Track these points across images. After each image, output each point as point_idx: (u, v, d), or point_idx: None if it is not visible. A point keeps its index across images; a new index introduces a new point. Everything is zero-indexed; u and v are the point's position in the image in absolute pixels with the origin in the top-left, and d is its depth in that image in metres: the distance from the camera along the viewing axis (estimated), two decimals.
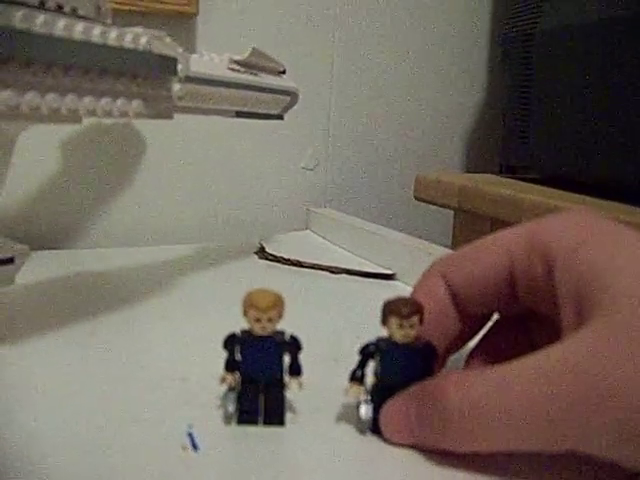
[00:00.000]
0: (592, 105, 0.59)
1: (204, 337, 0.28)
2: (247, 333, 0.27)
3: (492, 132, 0.85)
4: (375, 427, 0.27)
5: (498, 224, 0.59)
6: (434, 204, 0.68)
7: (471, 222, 0.67)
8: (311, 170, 0.75)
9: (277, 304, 0.26)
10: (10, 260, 0.40)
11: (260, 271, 0.56)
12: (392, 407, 0.27)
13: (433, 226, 0.80)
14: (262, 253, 0.60)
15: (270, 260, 0.59)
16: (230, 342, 0.28)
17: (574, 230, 0.26)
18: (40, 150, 0.61)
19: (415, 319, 0.26)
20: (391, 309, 0.26)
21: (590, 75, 0.58)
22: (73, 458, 0.25)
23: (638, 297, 0.22)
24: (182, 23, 0.65)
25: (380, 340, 0.27)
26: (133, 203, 0.67)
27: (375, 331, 0.28)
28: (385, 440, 0.27)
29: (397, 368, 0.27)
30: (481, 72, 0.85)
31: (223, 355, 0.28)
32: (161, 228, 0.68)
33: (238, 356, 0.28)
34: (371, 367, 0.28)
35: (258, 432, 0.27)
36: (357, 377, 0.27)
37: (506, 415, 0.23)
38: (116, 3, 0.59)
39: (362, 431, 0.27)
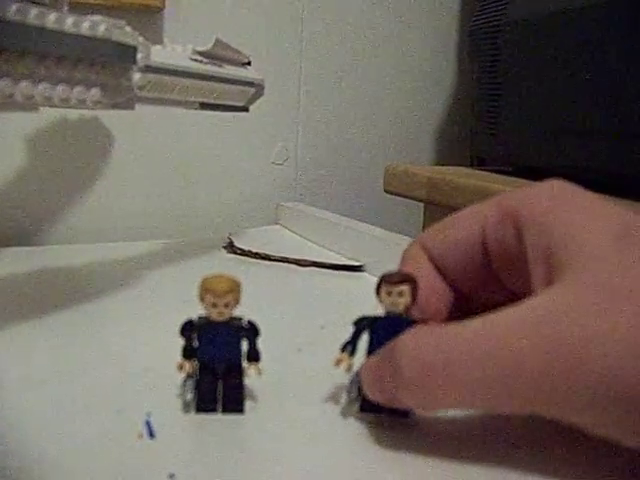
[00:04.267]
0: (560, 95, 0.59)
1: (168, 328, 0.28)
2: (204, 319, 0.27)
3: (463, 124, 0.86)
4: (364, 406, 0.27)
5: None
6: (403, 196, 0.68)
7: (441, 214, 0.66)
8: (281, 165, 0.75)
9: (233, 289, 0.26)
10: None
11: (228, 265, 0.55)
12: (367, 365, 0.26)
13: (404, 218, 0.80)
14: (231, 247, 0.60)
15: (238, 254, 0.58)
16: (187, 328, 0.27)
17: (545, 196, 0.26)
18: (5, 145, 0.60)
19: (404, 288, 0.26)
20: (382, 277, 0.26)
21: (558, 65, 0.59)
22: (33, 444, 0.25)
23: (608, 257, 0.22)
24: (148, 17, 0.65)
25: (375, 316, 0.27)
26: (100, 199, 0.66)
27: (341, 322, 0.28)
28: (343, 424, 0.27)
29: (385, 340, 0.26)
30: (451, 63, 0.85)
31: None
32: (130, 224, 0.67)
33: (196, 343, 0.27)
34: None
35: (216, 419, 0.27)
36: (348, 349, 0.27)
37: (462, 372, 0.22)
38: None
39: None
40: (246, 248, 0.59)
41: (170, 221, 0.69)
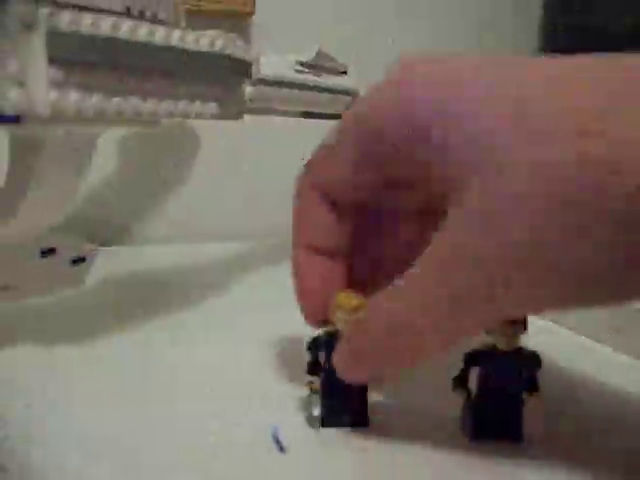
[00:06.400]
0: None
1: (272, 339, 0.28)
2: (330, 335, 0.27)
3: None
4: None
5: None
6: None
7: None
8: None
9: (361, 308, 0.27)
10: (82, 259, 0.40)
11: None
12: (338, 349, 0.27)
13: None
14: None
15: None
16: (314, 345, 0.28)
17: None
18: (101, 148, 0.62)
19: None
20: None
21: None
22: (154, 455, 0.26)
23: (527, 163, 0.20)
24: (238, 22, 0.66)
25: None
26: (186, 200, 0.67)
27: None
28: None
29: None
30: None
31: (292, 357, 0.28)
32: (221, 224, 0.68)
33: (321, 358, 0.28)
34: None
35: (343, 434, 0.28)
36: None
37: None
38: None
39: None
40: None
41: (259, 221, 0.70)
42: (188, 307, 0.44)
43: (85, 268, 0.41)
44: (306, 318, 0.29)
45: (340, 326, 0.27)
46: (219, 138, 0.67)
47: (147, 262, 0.56)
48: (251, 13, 0.64)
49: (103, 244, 0.61)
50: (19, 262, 0.37)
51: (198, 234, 0.67)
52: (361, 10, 0.73)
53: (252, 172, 0.70)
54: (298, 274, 0.29)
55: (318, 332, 0.28)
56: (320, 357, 0.28)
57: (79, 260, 0.40)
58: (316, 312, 0.28)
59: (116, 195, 0.64)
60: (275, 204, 0.71)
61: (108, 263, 0.54)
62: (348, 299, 0.27)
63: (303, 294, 0.29)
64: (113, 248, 0.61)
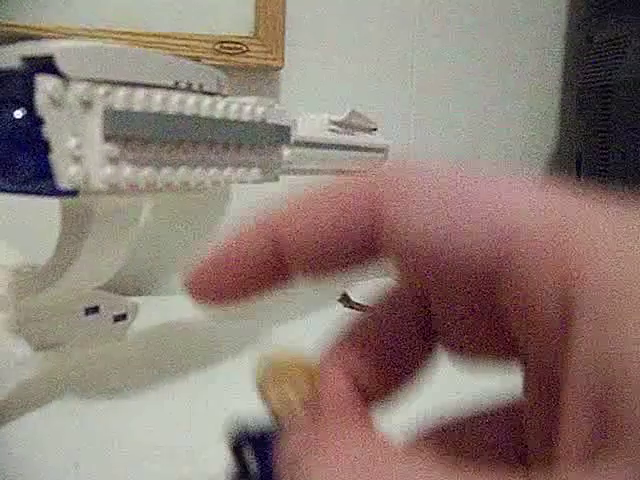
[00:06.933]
0: None
1: None
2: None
3: (562, 178, 0.85)
4: None
5: None
6: None
7: None
8: None
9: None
10: (123, 316, 0.42)
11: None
12: None
13: None
14: (347, 302, 0.61)
15: (356, 309, 0.59)
16: (238, 443, 0.18)
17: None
18: None
19: None
20: None
21: None
22: None
23: None
24: (267, 75, 0.68)
25: None
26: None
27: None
28: None
29: None
30: (552, 120, 0.85)
31: None
32: None
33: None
34: None
35: None
36: None
37: None
38: (206, 58, 0.62)
39: None
40: (363, 303, 0.60)
41: None
42: (227, 358, 0.45)
43: (126, 324, 0.42)
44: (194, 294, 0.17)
45: (282, 409, 0.16)
46: (246, 191, 0.68)
47: (181, 313, 0.57)
48: (281, 67, 0.66)
49: (132, 294, 0.63)
50: (64, 320, 0.38)
51: None
52: (383, 64, 0.75)
53: None
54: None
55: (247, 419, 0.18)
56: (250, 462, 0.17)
57: (121, 317, 0.41)
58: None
59: (148, 247, 0.66)
60: None
61: (144, 314, 0.55)
62: (296, 363, 0.16)
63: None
64: (142, 298, 0.62)
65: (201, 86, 0.34)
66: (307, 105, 0.64)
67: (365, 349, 0.16)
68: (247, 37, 0.64)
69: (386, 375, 0.16)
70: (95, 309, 0.39)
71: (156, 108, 0.30)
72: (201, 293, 0.17)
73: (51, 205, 0.33)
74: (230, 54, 0.63)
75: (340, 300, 0.62)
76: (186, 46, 0.62)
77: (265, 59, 0.65)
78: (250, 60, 0.65)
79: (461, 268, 0.13)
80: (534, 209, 0.12)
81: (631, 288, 0.11)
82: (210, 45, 0.62)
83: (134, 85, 0.30)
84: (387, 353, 0.16)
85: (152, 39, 0.61)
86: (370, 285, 0.69)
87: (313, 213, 0.15)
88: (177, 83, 0.32)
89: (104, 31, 0.60)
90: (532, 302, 0.12)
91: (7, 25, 0.56)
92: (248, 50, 0.64)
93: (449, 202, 0.13)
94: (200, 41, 0.62)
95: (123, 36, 0.60)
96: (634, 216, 0.12)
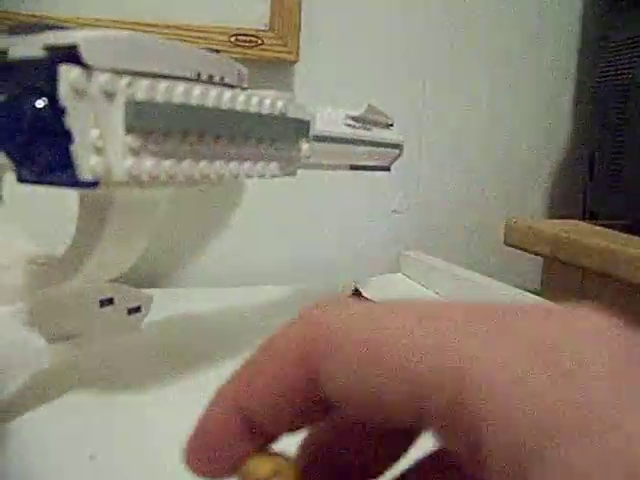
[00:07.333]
0: None
1: None
2: None
3: (574, 179, 0.85)
4: None
5: (590, 274, 0.59)
6: (525, 250, 0.68)
7: (563, 270, 0.66)
8: (401, 213, 0.76)
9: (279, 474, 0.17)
10: (138, 309, 0.41)
11: None
12: None
13: (521, 270, 0.80)
14: (358, 297, 0.61)
15: None
16: None
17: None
18: None
19: None
20: None
21: None
22: None
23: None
24: (281, 69, 0.67)
25: None
26: (228, 245, 0.69)
27: None
28: None
29: None
30: (566, 120, 0.85)
31: None
32: (255, 269, 0.69)
33: None
34: None
35: None
36: None
37: None
38: (221, 50, 0.62)
39: None
40: (374, 298, 0.60)
41: (294, 267, 0.71)
42: (240, 350, 0.44)
43: (141, 316, 0.41)
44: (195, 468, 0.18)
45: None
46: (259, 184, 0.68)
47: (195, 305, 0.57)
48: (295, 61, 0.65)
49: (146, 286, 0.62)
50: (79, 312, 0.38)
51: (232, 279, 0.68)
52: (398, 59, 0.74)
53: (294, 218, 0.71)
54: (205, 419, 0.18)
55: None
56: None
57: (135, 310, 0.41)
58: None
59: (162, 239, 0.65)
60: (317, 249, 0.72)
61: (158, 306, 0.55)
62: (262, 463, 0.17)
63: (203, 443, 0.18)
64: (157, 290, 0.62)
65: (222, 78, 0.34)
66: (321, 99, 0.64)
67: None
68: (262, 30, 0.64)
69: None
70: (110, 301, 0.39)
71: (178, 100, 0.30)
72: (202, 471, 0.18)
73: (69, 196, 0.33)
74: (245, 47, 0.63)
75: (352, 295, 0.62)
76: (201, 38, 0.61)
77: (280, 52, 0.64)
78: (265, 53, 0.64)
79: (384, 416, 0.15)
80: (433, 352, 0.14)
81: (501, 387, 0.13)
82: (225, 37, 0.62)
83: (156, 76, 0.29)
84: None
85: (167, 31, 0.60)
86: (381, 281, 0.69)
87: (262, 381, 0.17)
88: (199, 75, 0.32)
89: (118, 22, 0.59)
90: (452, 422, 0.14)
91: (23, 15, 0.56)
92: (263, 43, 0.63)
93: (364, 362, 0.15)
94: (215, 33, 0.62)
95: (137, 27, 0.59)
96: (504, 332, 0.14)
